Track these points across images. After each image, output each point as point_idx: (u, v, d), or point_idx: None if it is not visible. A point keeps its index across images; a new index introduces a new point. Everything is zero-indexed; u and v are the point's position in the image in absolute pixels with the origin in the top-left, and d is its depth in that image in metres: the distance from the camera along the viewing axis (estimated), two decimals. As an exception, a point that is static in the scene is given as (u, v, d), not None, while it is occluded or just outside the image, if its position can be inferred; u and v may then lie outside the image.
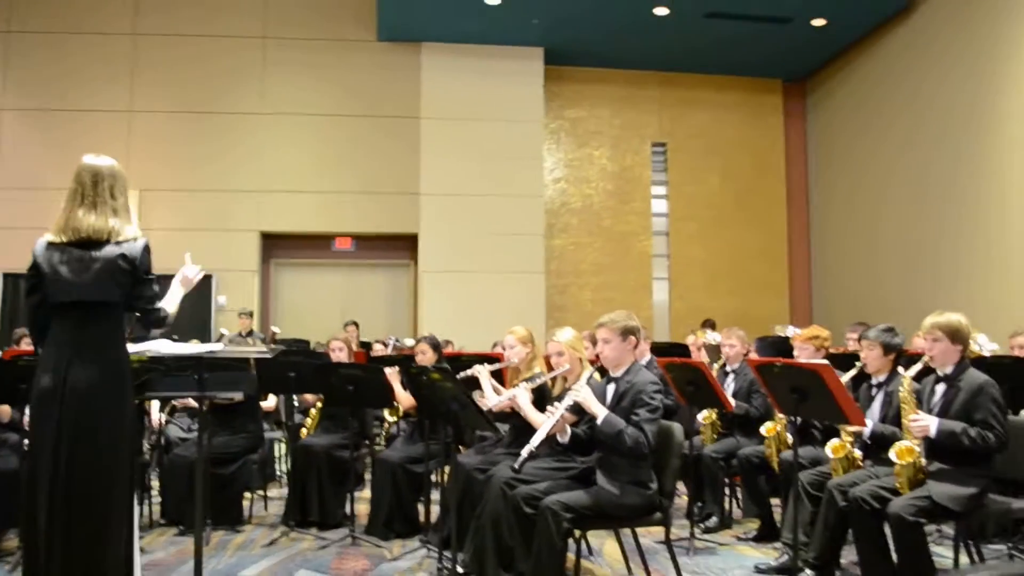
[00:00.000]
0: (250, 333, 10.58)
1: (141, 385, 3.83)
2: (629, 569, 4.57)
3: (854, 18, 11.43)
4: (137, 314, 3.44)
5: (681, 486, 5.92)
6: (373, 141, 12.05)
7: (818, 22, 11.46)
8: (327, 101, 12.03)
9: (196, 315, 11.12)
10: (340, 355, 6.20)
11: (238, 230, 11.62)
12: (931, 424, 3.80)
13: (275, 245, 12.25)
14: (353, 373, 5.27)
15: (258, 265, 11.89)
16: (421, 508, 5.40)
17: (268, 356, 4.63)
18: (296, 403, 6.68)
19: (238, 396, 5.14)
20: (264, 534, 5.51)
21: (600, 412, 3.77)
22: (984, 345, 5.57)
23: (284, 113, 11.91)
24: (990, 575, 0.75)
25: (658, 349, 6.74)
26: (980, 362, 4.68)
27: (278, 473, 7.59)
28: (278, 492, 6.83)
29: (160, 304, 3.45)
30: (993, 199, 9.53)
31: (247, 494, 6.11)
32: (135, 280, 3.31)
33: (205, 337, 10.19)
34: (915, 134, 11.01)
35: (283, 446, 7.52)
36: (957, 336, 3.95)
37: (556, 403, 3.96)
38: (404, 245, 12.39)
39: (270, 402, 6.73)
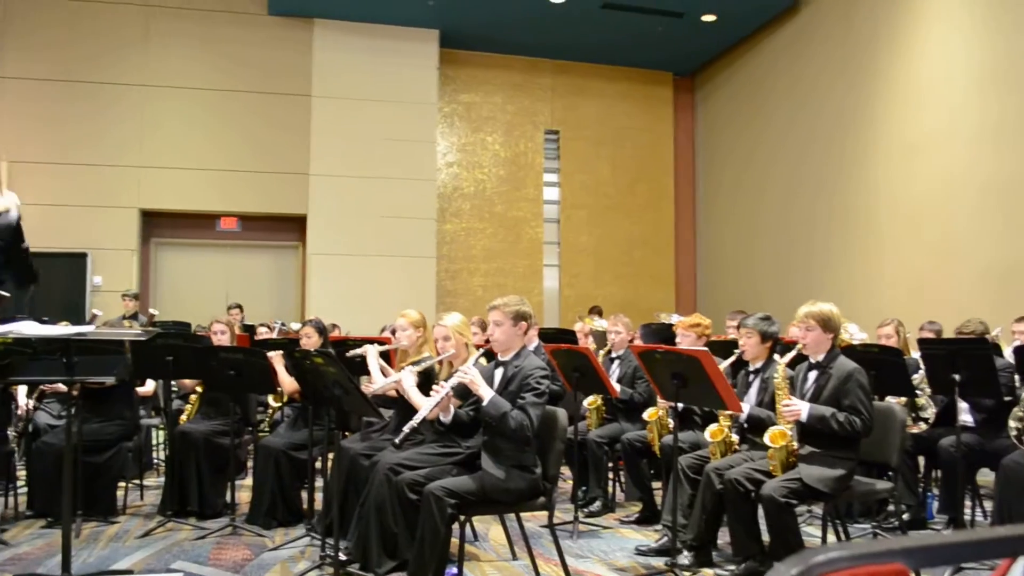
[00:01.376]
0: (135, 316, 10.15)
1: (5, 369, 3.62)
2: (514, 553, 4.61)
3: (743, 15, 11.77)
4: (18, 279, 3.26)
5: (566, 471, 6.00)
6: (262, 118, 11.69)
7: (708, 18, 11.75)
8: (214, 75, 11.60)
9: (69, 296, 10.61)
10: (222, 338, 6.02)
11: (116, 207, 11.10)
12: (802, 409, 3.96)
13: (156, 224, 11.76)
14: (234, 357, 5.12)
15: (138, 244, 11.39)
16: (305, 495, 5.31)
17: (143, 339, 4.43)
18: (175, 388, 6.45)
19: (110, 381, 4.93)
20: (139, 525, 5.32)
21: (486, 394, 3.78)
22: (854, 334, 5.82)
23: (168, 86, 11.41)
24: (847, 553, 0.79)
25: (545, 335, 6.80)
26: (850, 350, 4.89)
27: (155, 461, 7.32)
28: (155, 481, 6.60)
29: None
30: (862, 195, 10.01)
31: (122, 483, 5.87)
32: (16, 252, 3.13)
33: (79, 319, 9.71)
34: (792, 131, 11.44)
35: (161, 433, 7.26)
36: (829, 325, 4.12)
37: (442, 383, 3.94)
38: (292, 226, 12.10)
39: (148, 387, 6.47)
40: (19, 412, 5.90)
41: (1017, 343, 5.90)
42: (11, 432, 5.81)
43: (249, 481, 5.84)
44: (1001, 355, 5.67)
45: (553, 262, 13.47)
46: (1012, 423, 4.62)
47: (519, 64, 13.30)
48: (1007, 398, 5.01)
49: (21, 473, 5.91)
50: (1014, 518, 4.27)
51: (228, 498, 5.35)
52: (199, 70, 11.57)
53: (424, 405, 3.83)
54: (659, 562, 4.39)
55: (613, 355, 6.02)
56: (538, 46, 12.88)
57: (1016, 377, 5.19)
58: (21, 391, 5.89)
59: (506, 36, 12.50)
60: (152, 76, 11.37)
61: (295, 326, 8.76)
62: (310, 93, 11.84)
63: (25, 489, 5.65)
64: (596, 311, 10.72)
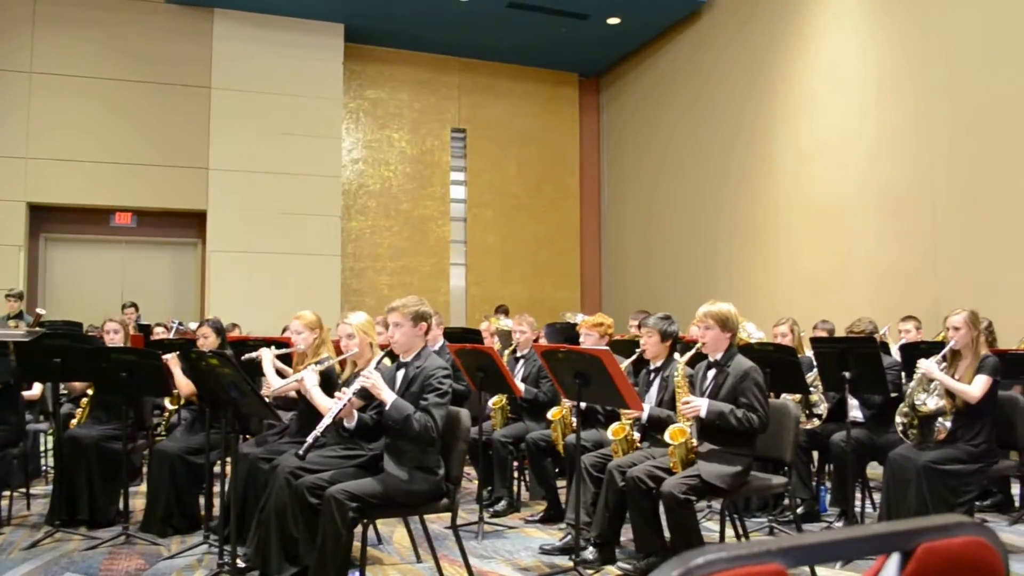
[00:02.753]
0: (19, 315, 9.66)
1: None
2: (418, 556, 4.58)
3: (647, 18, 11.99)
4: None
5: (472, 471, 6.00)
6: (159, 110, 11.31)
7: (613, 20, 11.92)
8: (108, 63, 11.16)
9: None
10: (115, 338, 5.79)
11: (1, 200, 10.58)
12: (702, 405, 4.05)
13: (46, 218, 11.25)
14: (126, 358, 4.93)
15: (25, 240, 10.87)
16: (202, 501, 5.15)
17: (27, 340, 4.23)
18: (65, 391, 6.18)
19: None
20: (25, 535, 5.07)
21: (389, 397, 3.74)
22: (752, 333, 5.99)
23: (58, 74, 10.92)
24: (725, 555, 0.80)
25: (451, 335, 6.78)
26: (747, 349, 5.03)
27: (43, 468, 7.00)
28: (43, 489, 6.31)
29: None
30: (762, 199, 10.33)
31: (6, 492, 5.59)
32: None
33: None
34: (696, 134, 11.72)
35: (50, 439, 6.94)
36: (727, 324, 4.22)
37: (344, 388, 3.88)
38: (191, 222, 11.75)
39: (35, 390, 6.18)
40: None
41: (903, 341, 6.18)
42: None
43: (143, 487, 5.64)
44: (888, 353, 5.94)
45: (460, 261, 13.45)
46: (899, 418, 4.82)
47: (426, 61, 13.24)
48: (894, 394, 5.24)
49: None
50: (900, 510, 4.46)
51: (121, 506, 5.15)
52: (92, 58, 11.11)
53: (326, 414, 3.76)
54: (563, 560, 4.43)
55: (518, 354, 6.05)
56: (445, 44, 12.85)
57: (902, 374, 5.43)
58: None
59: (413, 32, 12.42)
60: (40, 63, 10.86)
61: (194, 326, 8.51)
62: (210, 85, 11.52)
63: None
64: (502, 310, 10.77)
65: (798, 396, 5.48)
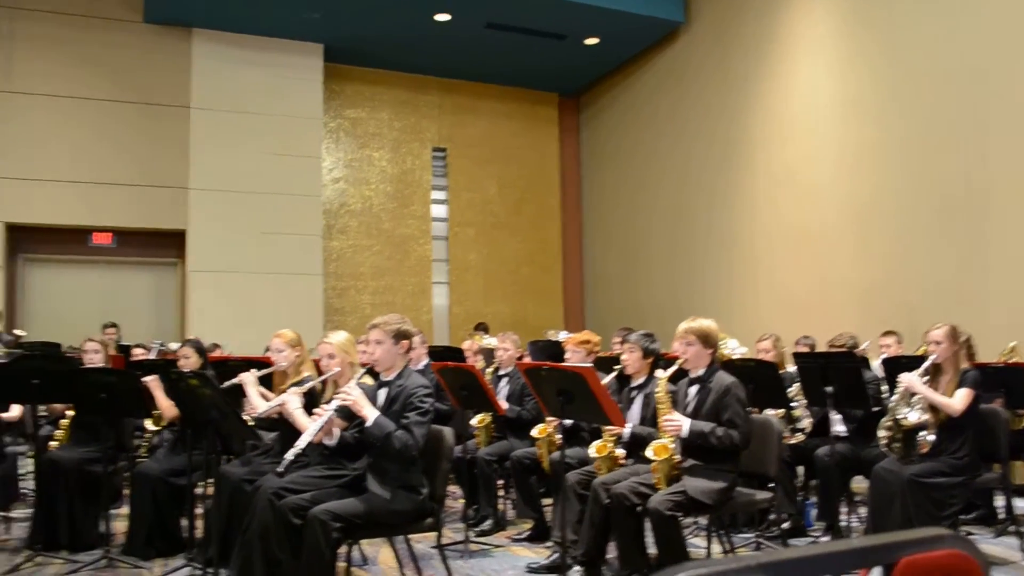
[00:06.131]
0: (-6, 337, 9.55)
1: None
2: (403, 575, 4.56)
3: (625, 39, 12.07)
4: None
5: (457, 489, 5.98)
6: (138, 129, 11.25)
7: (591, 41, 12.01)
8: (85, 83, 11.09)
9: (-75, 316, 9.93)
10: (95, 359, 5.74)
11: (-23, 220, 10.49)
12: (684, 424, 4.07)
13: (23, 238, 11.14)
14: (105, 379, 4.89)
15: (3, 260, 10.77)
16: (185, 523, 5.11)
17: (5, 362, 4.19)
18: (45, 413, 6.11)
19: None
20: (5, 560, 5.01)
21: (370, 414, 3.73)
22: (734, 349, 6.02)
23: (34, 93, 10.84)
24: (706, 571, 0.81)
25: (434, 353, 6.77)
26: (729, 365, 5.06)
27: (23, 491, 6.90)
28: (23, 512, 6.21)
29: None
30: (741, 217, 10.42)
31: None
32: None
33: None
34: (675, 153, 11.81)
35: (30, 461, 6.85)
36: (708, 340, 4.24)
37: (324, 406, 3.87)
38: (171, 242, 11.67)
39: (13, 412, 6.11)
40: None
41: (884, 356, 6.23)
42: None
43: (125, 510, 5.58)
44: (869, 368, 5.98)
45: (442, 279, 13.44)
46: (881, 432, 4.85)
47: (406, 81, 13.27)
48: (875, 408, 5.28)
49: None
50: (886, 523, 4.48)
51: (102, 528, 5.10)
52: (69, 77, 11.04)
53: (307, 430, 3.75)
54: (548, 578, 4.42)
55: (501, 372, 6.05)
56: (425, 63, 12.89)
57: (884, 388, 5.47)
58: None
59: (392, 52, 12.45)
60: (17, 82, 10.78)
61: (175, 346, 8.45)
62: (188, 104, 11.47)
63: None
64: (482, 327, 10.76)
65: (781, 411, 5.51)
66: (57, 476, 5.22)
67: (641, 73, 12.72)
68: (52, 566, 4.88)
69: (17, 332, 10.05)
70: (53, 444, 5.63)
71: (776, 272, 9.80)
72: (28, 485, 6.85)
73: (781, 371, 5.69)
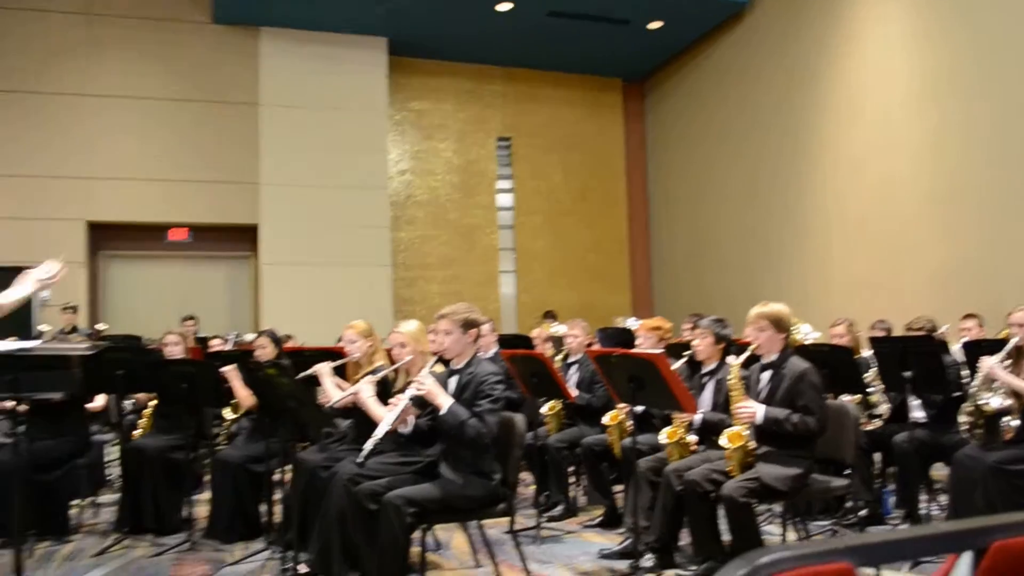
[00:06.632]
0: (73, 330, 9.91)
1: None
2: (477, 561, 4.61)
3: (689, 21, 11.91)
4: None
5: (528, 476, 6.01)
6: (210, 128, 11.53)
7: (654, 25, 11.87)
8: (160, 84, 11.42)
9: (16, 311, 10.32)
10: (175, 351, 5.92)
11: (62, 219, 10.84)
12: (757, 411, 4.01)
13: (104, 236, 11.53)
14: (186, 370, 5.05)
15: (86, 257, 11.16)
16: (264, 508, 5.24)
17: (91, 353, 4.35)
18: (133, 401, 6.32)
19: (57, 396, 4.83)
20: (94, 543, 5.20)
21: (445, 402, 3.77)
22: (807, 334, 5.91)
23: (113, 96, 11.20)
24: (792, 553, 0.80)
25: (503, 341, 6.81)
26: (802, 350, 4.97)
27: (109, 477, 7.17)
28: (110, 498, 6.45)
29: None
30: (812, 199, 10.20)
31: (76, 501, 5.75)
32: None
33: (26, 335, 9.48)
34: (742, 136, 11.61)
35: (115, 449, 7.11)
36: (781, 325, 4.18)
37: (399, 396, 3.92)
38: (244, 237, 11.94)
39: (98, 402, 6.34)
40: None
41: (965, 339, 6.05)
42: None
43: (206, 495, 5.76)
44: (948, 352, 5.81)
45: (509, 268, 13.48)
46: (963, 418, 4.73)
47: (469, 71, 13.31)
48: (956, 393, 5.13)
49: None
50: (967, 511, 4.36)
51: (185, 513, 5.28)
52: (144, 79, 11.38)
53: (382, 421, 3.80)
54: (623, 565, 4.41)
55: (570, 360, 6.04)
56: (488, 53, 12.90)
57: (965, 373, 5.31)
58: (-34, 410, 5.74)
59: (455, 43, 12.50)
60: (97, 86, 11.15)
61: (250, 337, 8.65)
62: (258, 102, 11.72)
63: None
64: (550, 315, 10.76)
65: (857, 397, 5.40)
66: (142, 463, 5.41)
67: (706, 56, 12.53)
68: (139, 548, 5.06)
69: (99, 326, 10.43)
70: (137, 433, 5.83)
71: (848, 256, 9.57)
72: (114, 471, 7.13)
73: (856, 356, 5.57)
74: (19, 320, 10.14)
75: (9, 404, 5.43)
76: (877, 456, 5.61)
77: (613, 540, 4.96)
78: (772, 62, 10.96)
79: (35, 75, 10.95)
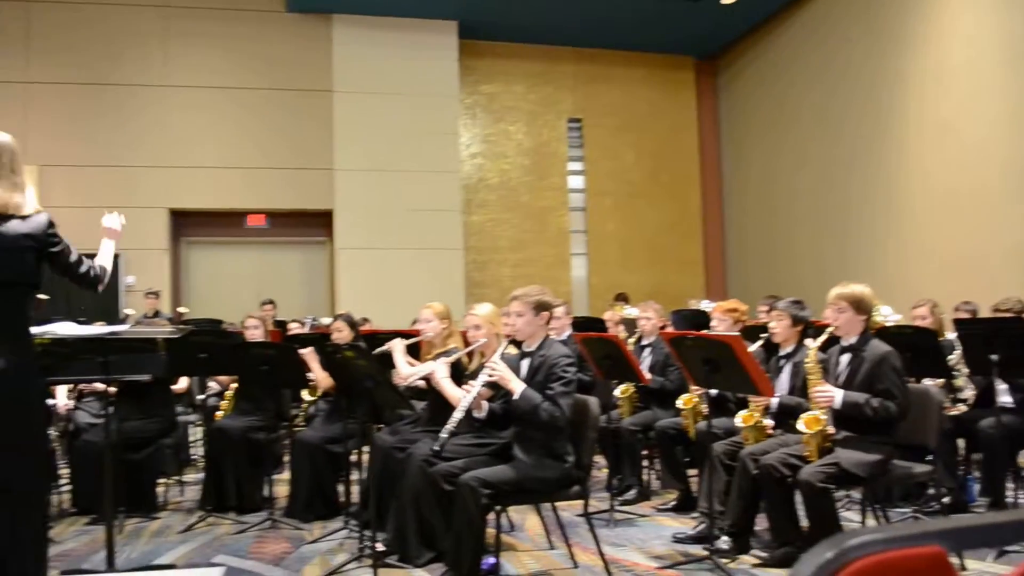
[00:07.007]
0: (156, 314, 10.24)
1: (44, 369, 3.69)
2: (550, 543, 4.63)
3: (763, -4, 11.65)
4: (73, 281, 3.36)
5: (601, 459, 6.01)
6: (285, 115, 11.76)
7: (727, 0, 11.63)
8: (235, 73, 11.68)
9: (103, 296, 10.63)
10: (255, 334, 6.08)
11: (146, 207, 11.18)
12: (836, 395, 3.93)
13: (185, 223, 11.88)
14: (266, 353, 5.17)
15: (168, 243, 11.52)
16: (341, 488, 5.36)
17: (177, 337, 4.50)
18: (217, 385, 6.51)
19: (145, 378, 4.99)
20: (180, 520, 5.39)
21: (518, 387, 3.78)
22: (888, 316, 5.76)
23: (190, 86, 11.50)
24: (881, 536, 0.78)
25: (575, 324, 6.79)
26: (883, 332, 4.84)
27: (193, 457, 7.41)
28: (194, 477, 6.67)
29: (89, 264, 3.37)
30: (893, 175, 9.89)
31: (162, 479, 5.96)
32: (46, 256, 3.22)
33: (114, 319, 9.83)
34: (819, 112, 11.32)
35: (199, 429, 7.35)
36: (861, 306, 4.08)
37: (472, 381, 3.95)
38: (319, 222, 12.16)
39: (181, 384, 6.55)
40: (59, 411, 6.01)
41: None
42: (52, 431, 5.92)
43: (286, 475, 5.91)
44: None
45: (580, 250, 13.44)
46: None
47: (539, 53, 13.26)
48: (1047, 377, 4.94)
49: (64, 471, 6.02)
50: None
51: (266, 492, 5.42)
52: (220, 69, 11.64)
53: (458, 407, 3.84)
54: (697, 549, 4.38)
55: (644, 342, 6.00)
56: (557, 34, 12.83)
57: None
58: (61, 391, 6.00)
59: (525, 25, 12.47)
60: (174, 76, 11.46)
61: (326, 320, 8.83)
62: (331, 88, 11.89)
63: (68, 487, 5.75)
64: (622, 298, 10.70)
65: (941, 381, 5.24)
66: (224, 443, 5.58)
67: (781, 31, 12.23)
68: (222, 526, 5.22)
69: (180, 310, 10.76)
70: (219, 414, 6.01)
71: (931, 234, 9.26)
72: (198, 451, 7.37)
73: (940, 338, 5.40)
74: (107, 305, 10.57)
75: (100, 386, 5.67)
76: (961, 442, 5.44)
77: (687, 524, 4.92)
78: (852, 33, 10.62)
79: (116, 67, 11.31)
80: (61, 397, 6.02)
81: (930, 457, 4.33)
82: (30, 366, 3.19)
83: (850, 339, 4.11)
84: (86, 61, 11.22)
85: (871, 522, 4.31)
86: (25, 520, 3.10)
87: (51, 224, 3.24)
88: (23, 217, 3.17)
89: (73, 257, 3.32)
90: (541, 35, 12.88)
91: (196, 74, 11.55)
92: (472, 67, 12.89)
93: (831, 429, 4.00)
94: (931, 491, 5.10)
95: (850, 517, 4.90)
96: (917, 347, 4.89)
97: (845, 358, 4.12)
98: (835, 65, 11.00)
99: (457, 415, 3.78)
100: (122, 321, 9.83)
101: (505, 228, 13.04)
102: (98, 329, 3.97)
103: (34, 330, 3.35)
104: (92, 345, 3.82)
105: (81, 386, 6.01)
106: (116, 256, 3.62)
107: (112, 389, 4.60)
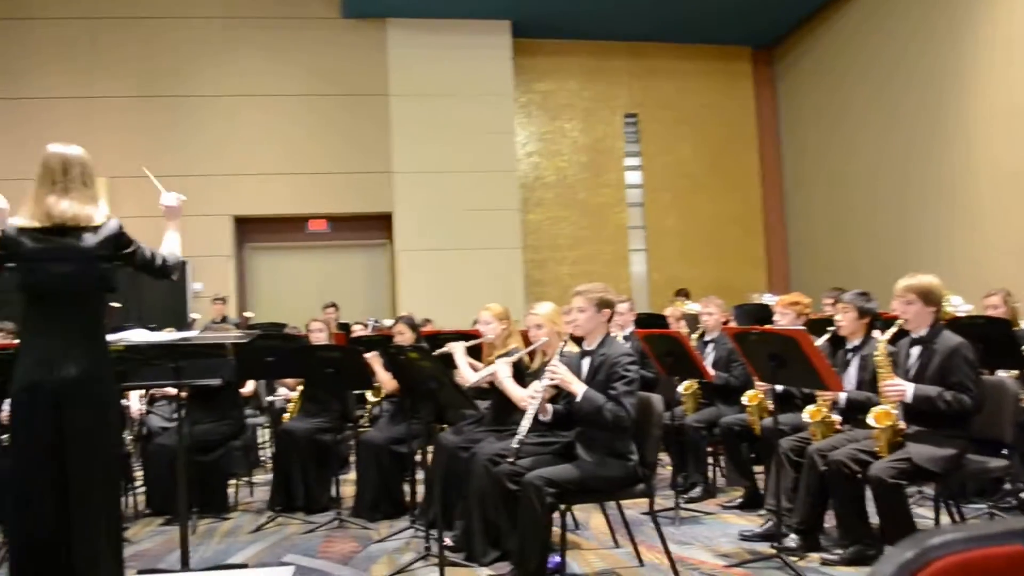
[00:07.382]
0: (223, 319, 10.49)
1: (118, 375, 3.81)
2: (616, 541, 4.61)
3: (821, -18, 11.43)
4: (151, 275, 3.49)
5: (665, 457, 5.97)
6: (343, 121, 11.92)
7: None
8: (294, 81, 11.87)
9: (172, 303, 11.00)
10: (320, 336, 6.17)
11: (211, 215, 11.44)
12: (907, 390, 3.84)
13: (249, 229, 12.13)
14: (331, 355, 5.25)
15: (233, 250, 11.77)
16: (407, 488, 5.41)
17: (245, 341, 4.60)
18: (287, 388, 6.64)
19: (216, 382, 5.11)
20: (251, 520, 5.50)
21: (579, 389, 3.75)
22: (958, 306, 5.61)
23: (250, 94, 11.72)
24: (963, 535, 0.76)
25: (637, 320, 6.75)
26: (954, 323, 4.72)
27: (262, 459, 7.56)
28: (263, 478, 6.81)
29: (162, 256, 3.52)
30: (959, 161, 9.61)
31: (232, 481, 6.10)
32: (121, 258, 3.33)
33: (182, 325, 10.08)
34: (881, 99, 11.05)
35: (266, 432, 7.49)
36: (930, 298, 3.98)
37: (535, 380, 3.95)
38: (379, 224, 12.30)
39: (249, 387, 6.69)
40: (133, 416, 6.19)
41: None
42: (126, 435, 6.09)
43: (352, 476, 5.99)
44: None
45: (639, 247, 13.36)
46: None
47: (592, 49, 13.20)
48: None
49: (138, 474, 6.19)
50: None
51: (333, 493, 5.50)
52: (279, 77, 11.85)
53: (520, 405, 3.84)
54: (764, 547, 4.32)
55: (707, 338, 5.94)
56: (610, 29, 12.75)
57: None
58: (134, 396, 6.17)
59: (577, 21, 12.42)
60: (236, 86, 11.69)
61: (388, 323, 8.93)
62: (387, 92, 12.02)
63: (143, 489, 5.91)
64: (683, 293, 10.61)
65: (1016, 372, 5.08)
66: (291, 445, 5.68)
67: (839, 16, 11.97)
68: (291, 526, 5.32)
69: (246, 314, 10.99)
70: (286, 416, 6.12)
71: (1003, 218, 8.96)
72: (266, 453, 7.52)
73: (1015, 328, 5.24)
74: (176, 311, 10.84)
75: (172, 391, 5.82)
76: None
77: (754, 522, 4.86)
78: (913, 16, 10.31)
79: (177, 79, 11.60)
80: (134, 402, 6.20)
81: (1006, 451, 4.21)
82: (107, 371, 3.29)
83: (920, 331, 4.01)
84: (147, 74, 11.51)
85: (945, 519, 4.20)
86: (102, 520, 3.20)
87: (121, 228, 3.35)
88: (95, 228, 3.28)
89: (147, 254, 3.45)
90: (594, 31, 12.82)
91: (255, 82, 11.78)
92: (526, 66, 12.89)
93: (902, 424, 3.92)
94: (1007, 486, 4.95)
95: (922, 514, 4.78)
96: (990, 338, 4.75)
97: (915, 351, 4.03)
98: (893, 49, 10.73)
99: (525, 424, 3.77)
100: (190, 326, 10.08)
101: (563, 226, 13.02)
102: (169, 336, 4.07)
103: (109, 337, 3.46)
104: (164, 351, 3.92)
105: (153, 391, 6.18)
106: (184, 263, 3.73)
107: (183, 393, 4.72)
